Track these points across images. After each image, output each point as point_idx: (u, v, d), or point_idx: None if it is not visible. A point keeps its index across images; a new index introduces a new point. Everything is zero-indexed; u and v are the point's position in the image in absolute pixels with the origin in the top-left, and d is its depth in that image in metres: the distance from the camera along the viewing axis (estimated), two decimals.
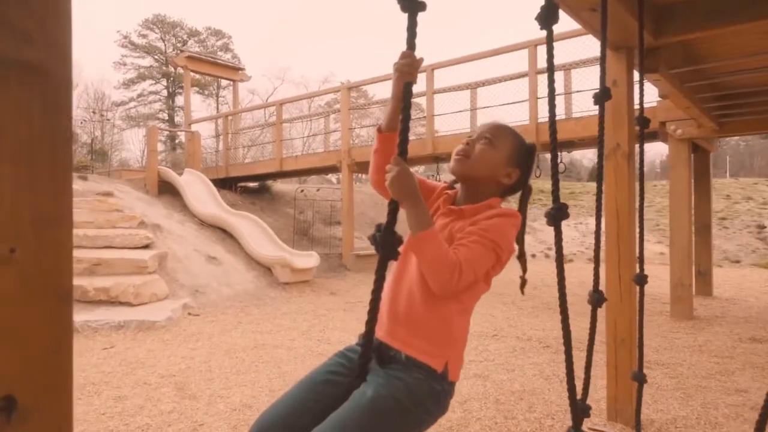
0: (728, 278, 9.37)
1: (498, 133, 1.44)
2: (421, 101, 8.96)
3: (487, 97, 7.93)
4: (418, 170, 24.57)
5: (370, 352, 1.25)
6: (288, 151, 13.12)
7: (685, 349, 4.84)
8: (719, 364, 4.38)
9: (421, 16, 1.14)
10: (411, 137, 1.20)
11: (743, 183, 17.90)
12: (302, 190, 12.41)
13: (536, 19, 1.75)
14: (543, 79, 6.81)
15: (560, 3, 2.49)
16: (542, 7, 1.71)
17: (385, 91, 10.20)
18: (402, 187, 1.18)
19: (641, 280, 2.63)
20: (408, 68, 1.20)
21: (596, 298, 2.17)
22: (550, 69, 1.67)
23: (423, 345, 1.30)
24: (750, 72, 4.03)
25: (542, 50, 7.07)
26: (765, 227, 13.42)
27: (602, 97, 2.10)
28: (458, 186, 1.50)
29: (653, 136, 6.44)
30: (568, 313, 1.53)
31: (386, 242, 1.16)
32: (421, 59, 1.23)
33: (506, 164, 1.42)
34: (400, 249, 1.16)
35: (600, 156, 2.32)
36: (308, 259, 8.46)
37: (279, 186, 14.30)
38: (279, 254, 8.33)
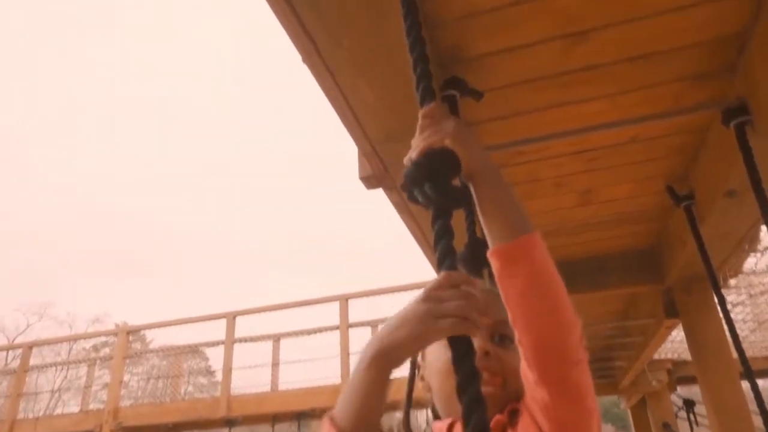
0: None
1: (505, 315, 0.86)
2: (217, 351, 7.87)
3: (292, 350, 7.29)
4: None
5: None
6: (28, 407, 10.11)
7: None
8: None
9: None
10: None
11: None
12: None
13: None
14: (354, 333, 6.53)
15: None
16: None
17: (168, 338, 8.80)
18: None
19: None
20: (466, 310, 0.59)
21: None
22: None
23: None
24: None
25: (355, 303, 7.01)
26: None
27: None
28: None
29: None
30: None
31: None
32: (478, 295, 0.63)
33: None
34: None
35: None
36: None
37: None
38: None
